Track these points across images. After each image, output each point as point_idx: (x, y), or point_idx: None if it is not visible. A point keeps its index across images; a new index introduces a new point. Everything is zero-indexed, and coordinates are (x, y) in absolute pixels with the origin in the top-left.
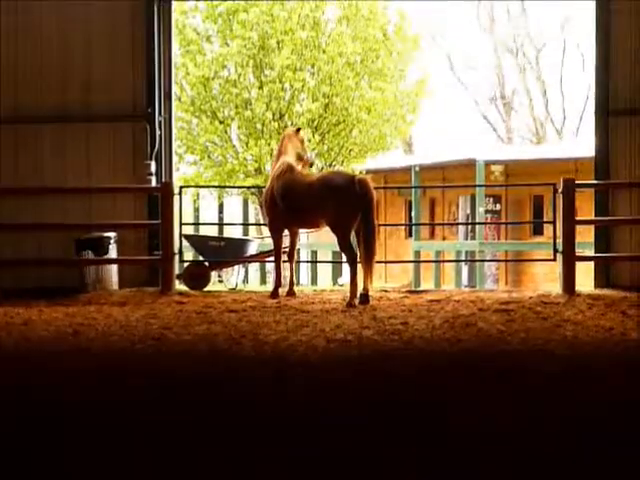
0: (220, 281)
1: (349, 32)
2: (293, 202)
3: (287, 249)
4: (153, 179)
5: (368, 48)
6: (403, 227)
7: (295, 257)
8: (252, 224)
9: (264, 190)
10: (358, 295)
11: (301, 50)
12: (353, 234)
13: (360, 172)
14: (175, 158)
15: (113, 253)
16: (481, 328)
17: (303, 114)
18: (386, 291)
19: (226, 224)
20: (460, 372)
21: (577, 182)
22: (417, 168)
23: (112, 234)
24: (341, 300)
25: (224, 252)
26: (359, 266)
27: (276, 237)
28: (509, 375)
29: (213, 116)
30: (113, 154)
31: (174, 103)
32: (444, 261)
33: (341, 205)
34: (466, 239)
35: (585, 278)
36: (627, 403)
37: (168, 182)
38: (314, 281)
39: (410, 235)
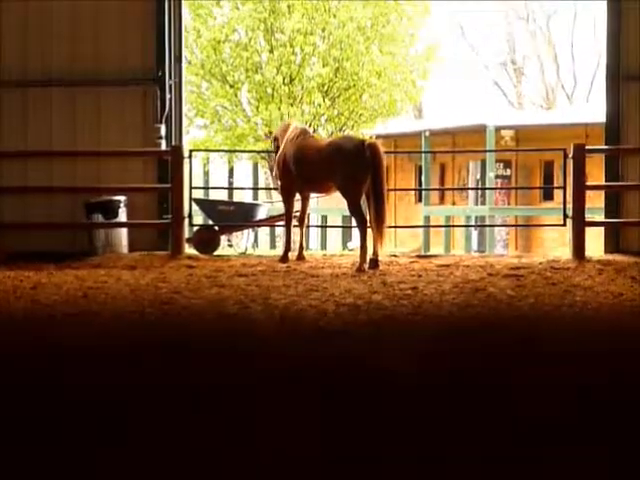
0: (230, 245)
1: None
2: (304, 166)
3: (298, 214)
4: (163, 143)
5: (379, 13)
6: (413, 192)
7: (305, 222)
8: (262, 188)
9: (276, 154)
10: (368, 260)
11: (312, 14)
12: (363, 199)
13: (370, 137)
14: (185, 122)
15: (123, 217)
16: (490, 293)
17: (313, 78)
18: (396, 256)
19: (236, 188)
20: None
21: (587, 147)
22: (427, 133)
23: (122, 198)
24: (351, 265)
25: (234, 216)
26: (369, 231)
27: (287, 201)
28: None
29: (223, 80)
30: (123, 118)
31: (184, 67)
32: (454, 226)
33: (351, 170)
34: (476, 204)
35: (595, 244)
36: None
37: (178, 146)
38: (324, 246)
39: (420, 200)
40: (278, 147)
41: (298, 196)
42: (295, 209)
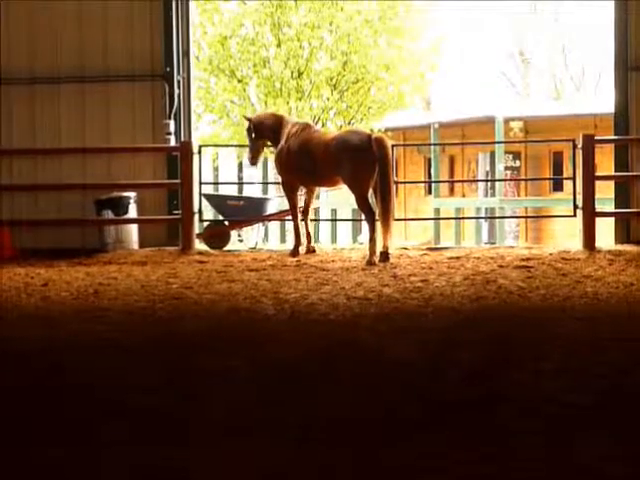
0: (240, 240)
1: None
2: (310, 161)
3: (302, 207)
4: (172, 138)
5: (386, 6)
6: (422, 184)
7: (310, 213)
8: (271, 183)
9: (277, 149)
10: (378, 253)
11: (319, 8)
12: (371, 192)
13: (379, 130)
14: (194, 117)
15: (133, 213)
16: (501, 285)
17: (321, 72)
18: (406, 249)
19: (245, 183)
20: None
21: (596, 138)
22: (436, 125)
23: (132, 194)
24: (361, 258)
25: (243, 211)
26: (378, 224)
27: (291, 197)
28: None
29: (231, 75)
30: (132, 114)
31: (192, 62)
32: (464, 218)
33: (358, 164)
34: (486, 196)
35: (605, 234)
36: None
37: (187, 141)
38: (334, 239)
39: (430, 192)
40: (260, 136)
41: (302, 189)
42: (300, 203)
